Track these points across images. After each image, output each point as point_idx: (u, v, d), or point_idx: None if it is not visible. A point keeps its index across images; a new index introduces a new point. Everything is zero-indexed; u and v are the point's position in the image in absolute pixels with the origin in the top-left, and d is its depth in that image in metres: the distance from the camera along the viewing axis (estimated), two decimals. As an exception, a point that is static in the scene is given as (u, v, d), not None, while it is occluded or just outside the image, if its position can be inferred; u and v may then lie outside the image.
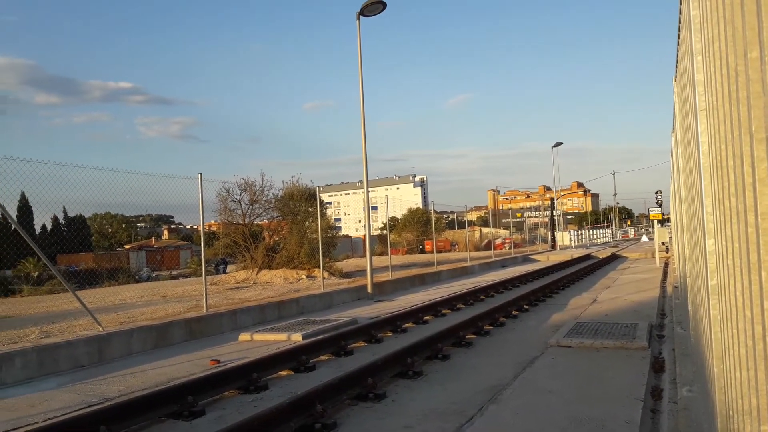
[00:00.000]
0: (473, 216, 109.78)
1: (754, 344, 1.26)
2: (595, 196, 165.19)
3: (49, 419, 5.86)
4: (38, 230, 44.85)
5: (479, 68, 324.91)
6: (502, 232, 60.90)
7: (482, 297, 15.19)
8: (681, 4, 3.42)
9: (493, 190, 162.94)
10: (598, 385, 6.02)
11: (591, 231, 70.91)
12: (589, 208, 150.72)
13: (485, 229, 61.52)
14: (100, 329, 9.72)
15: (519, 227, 64.19)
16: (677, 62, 4.61)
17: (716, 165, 1.95)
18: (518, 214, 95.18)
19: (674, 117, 6.25)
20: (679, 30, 3.88)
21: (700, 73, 2.26)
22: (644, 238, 61.41)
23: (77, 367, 8.70)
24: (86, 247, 51.94)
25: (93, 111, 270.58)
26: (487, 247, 46.99)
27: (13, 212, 9.56)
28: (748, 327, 1.34)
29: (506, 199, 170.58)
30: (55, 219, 53.76)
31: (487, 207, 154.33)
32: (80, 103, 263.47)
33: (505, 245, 48.61)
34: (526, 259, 35.44)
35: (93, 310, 10.22)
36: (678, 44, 4.18)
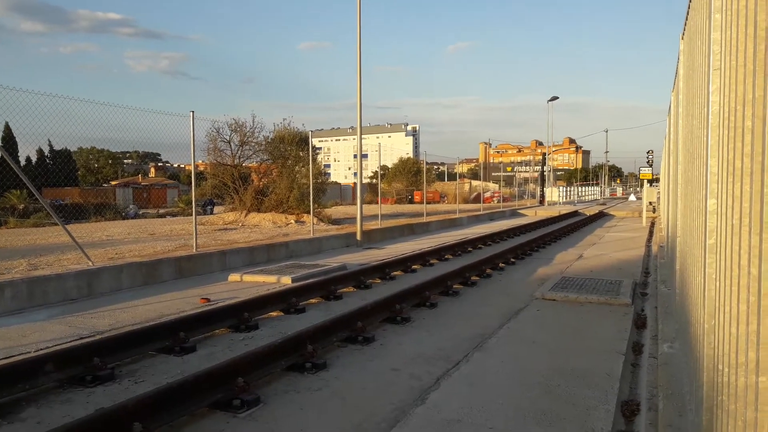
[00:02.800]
0: (464, 168, 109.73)
1: (758, 300, 1.30)
2: (587, 153, 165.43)
3: (41, 349, 5.94)
4: (23, 162, 44.21)
5: (481, 16, 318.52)
6: (492, 185, 61.06)
7: (470, 249, 15.36)
8: (699, -41, 3.35)
9: (485, 143, 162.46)
10: (580, 338, 6.18)
11: (580, 188, 71.33)
12: (580, 165, 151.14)
13: (475, 182, 61.65)
14: (90, 264, 9.74)
15: (509, 181, 64.33)
16: (687, 20, 4.54)
17: (728, 125, 1.95)
18: (509, 168, 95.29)
19: (677, 75, 6.20)
20: (693, -14, 3.81)
21: (717, 31, 2.23)
22: (632, 197, 61.99)
23: (67, 300, 8.76)
24: (72, 182, 51.40)
25: (80, 42, 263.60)
26: (476, 200, 47.17)
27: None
28: (753, 284, 1.38)
29: (498, 152, 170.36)
30: (40, 152, 52.93)
31: (477, 160, 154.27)
32: (67, 33, 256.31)
33: (494, 199, 48.84)
34: (514, 214, 35.70)
35: (82, 245, 10.21)
36: (690, 1, 4.11)
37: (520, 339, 6.12)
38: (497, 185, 55.78)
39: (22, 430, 4.06)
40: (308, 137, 20.43)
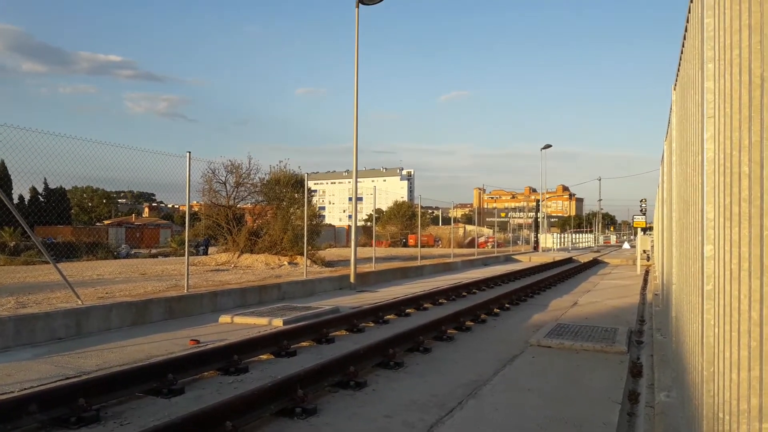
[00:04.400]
0: (458, 213, 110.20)
1: (760, 345, 1.28)
2: (580, 201, 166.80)
3: (25, 389, 5.79)
4: (16, 200, 44.15)
5: (475, 66, 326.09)
6: (486, 230, 61.20)
7: (464, 293, 15.27)
8: (690, 12, 3.44)
9: (479, 189, 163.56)
10: (576, 386, 6.09)
11: (574, 235, 71.56)
12: (573, 212, 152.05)
13: (469, 227, 61.76)
14: (79, 302, 9.61)
15: (503, 227, 64.51)
16: (678, 70, 4.65)
17: (723, 171, 1.97)
18: (503, 214, 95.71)
19: (669, 125, 6.31)
20: (685, 39, 3.90)
21: (710, 80, 2.28)
22: (626, 245, 62.12)
23: (54, 339, 8.60)
24: (65, 220, 51.17)
25: (80, 83, 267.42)
26: (471, 244, 47.21)
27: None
28: (754, 329, 1.36)
29: (492, 198, 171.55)
30: (33, 190, 52.92)
31: (472, 205, 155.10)
32: (67, 74, 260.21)
33: (488, 244, 48.86)
34: (508, 259, 35.67)
35: (72, 283, 10.09)
36: (681, 53, 4.21)
37: (515, 386, 6.02)
38: (491, 230, 55.90)
39: (0, 474, 3.92)
40: (304, 179, 20.52)
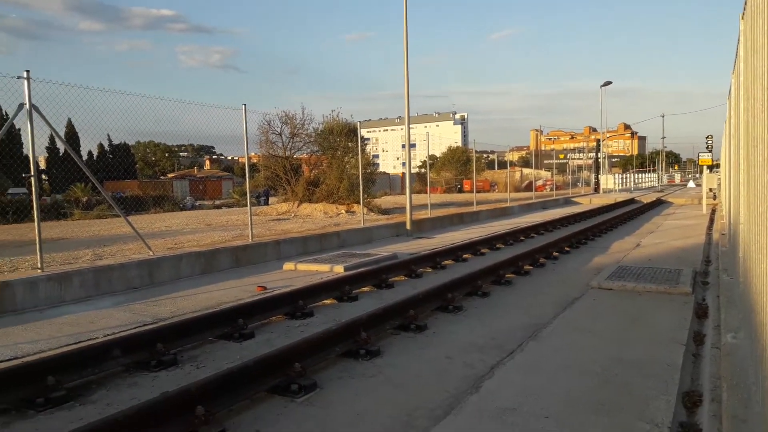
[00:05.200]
0: (514, 156, 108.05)
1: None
2: (642, 139, 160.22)
3: (108, 335, 6.23)
4: (85, 157, 46.12)
5: (526, 2, 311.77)
6: (544, 173, 59.88)
7: (522, 238, 15.17)
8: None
9: (536, 130, 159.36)
10: (639, 327, 6.04)
11: (636, 175, 69.16)
12: (636, 152, 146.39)
13: (526, 170, 60.61)
14: (150, 253, 10.11)
15: (562, 169, 62.91)
16: (750, -3, 4.34)
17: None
18: (561, 156, 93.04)
19: (737, 57, 5.94)
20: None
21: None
22: (691, 184, 59.72)
23: (130, 288, 9.14)
24: (131, 175, 53.39)
25: (135, 38, 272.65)
26: (528, 188, 46.45)
27: (60, 140, 9.80)
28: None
29: (549, 139, 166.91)
30: (100, 146, 55.22)
31: (528, 147, 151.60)
32: (122, 30, 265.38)
33: (547, 187, 47.93)
34: (567, 202, 34.98)
35: (142, 235, 10.60)
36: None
37: (575, 328, 6.03)
38: (549, 173, 54.71)
39: (93, 411, 4.27)
40: (357, 128, 20.53)
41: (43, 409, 4.29)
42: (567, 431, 3.60)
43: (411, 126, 18.59)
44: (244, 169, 13.78)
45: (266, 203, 31.44)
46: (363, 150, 20.16)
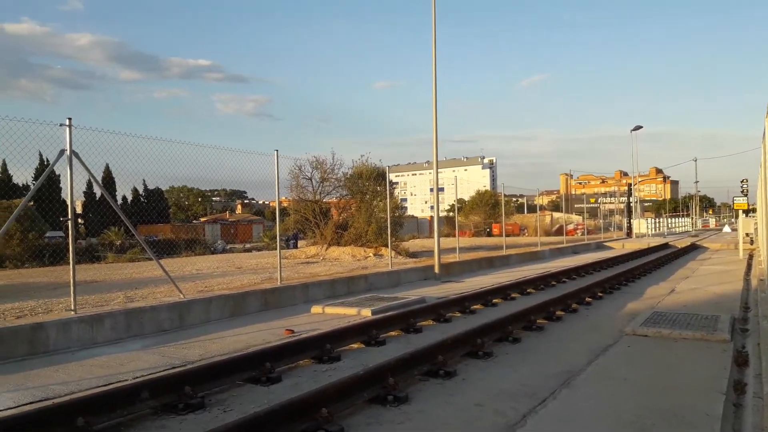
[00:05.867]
0: (544, 200, 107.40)
1: None
2: (675, 184, 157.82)
3: (137, 377, 6.25)
4: (120, 201, 47.29)
5: (557, 48, 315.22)
6: (575, 217, 59.25)
7: (553, 282, 14.92)
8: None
9: (566, 174, 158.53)
10: (675, 375, 5.83)
11: (669, 219, 67.93)
12: (668, 196, 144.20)
13: (556, 214, 60.11)
14: (181, 296, 10.22)
15: (593, 213, 62.28)
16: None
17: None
18: (592, 200, 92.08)
19: (773, 99, 5.87)
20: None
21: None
22: (726, 229, 58.33)
23: (160, 331, 9.20)
24: (164, 219, 54.48)
25: (172, 87, 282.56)
26: (558, 232, 45.92)
27: (97, 184, 10.08)
28: None
29: (580, 183, 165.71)
30: (135, 191, 56.64)
31: (558, 191, 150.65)
32: (161, 80, 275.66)
33: (578, 231, 47.32)
34: (599, 246, 34.44)
35: (173, 278, 10.73)
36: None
37: (610, 376, 5.85)
38: (580, 217, 54.13)
39: (121, 454, 4.26)
40: (385, 172, 20.72)
41: (71, 451, 4.29)
42: (603, 484, 3.46)
43: (439, 170, 18.69)
44: (275, 213, 13.96)
45: (295, 246, 31.66)
46: (391, 194, 20.30)
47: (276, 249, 13.03)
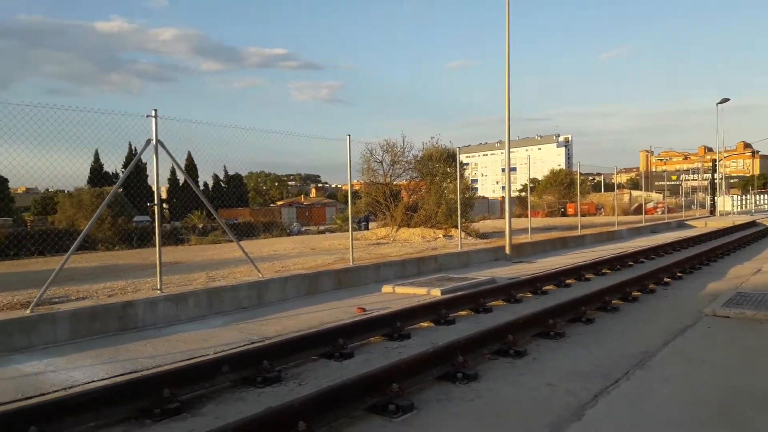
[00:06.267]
0: (622, 178, 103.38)
1: None
2: (765, 159, 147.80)
3: (218, 352, 6.60)
4: (201, 187, 49.37)
5: (639, 19, 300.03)
6: (655, 195, 56.75)
7: (630, 263, 14.46)
8: None
9: (646, 151, 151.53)
10: (760, 358, 5.58)
11: (758, 196, 63.83)
12: (758, 171, 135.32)
13: (635, 193, 57.70)
14: (259, 276, 10.63)
15: (674, 191, 59.39)
16: None
17: None
18: (674, 177, 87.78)
19: None
20: None
21: None
22: (824, 205, 54.27)
23: (239, 309, 9.64)
24: (243, 203, 56.53)
25: (250, 77, 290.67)
26: (637, 211, 44.15)
27: (180, 171, 10.58)
28: None
29: (661, 160, 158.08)
30: (215, 177, 58.98)
31: (638, 169, 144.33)
32: (240, 69, 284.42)
33: (658, 210, 45.33)
34: (681, 225, 32.92)
35: (252, 259, 11.18)
36: None
37: (687, 358, 5.67)
38: (660, 195, 51.82)
39: (203, 423, 4.55)
40: (456, 153, 20.58)
41: (159, 419, 4.62)
42: (677, 465, 3.40)
43: (512, 149, 18.38)
44: (347, 196, 14.22)
45: (366, 228, 32.07)
46: (461, 175, 20.14)
47: (348, 231, 13.29)
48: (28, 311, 7.57)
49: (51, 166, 8.67)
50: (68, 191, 32.67)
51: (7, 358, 6.69)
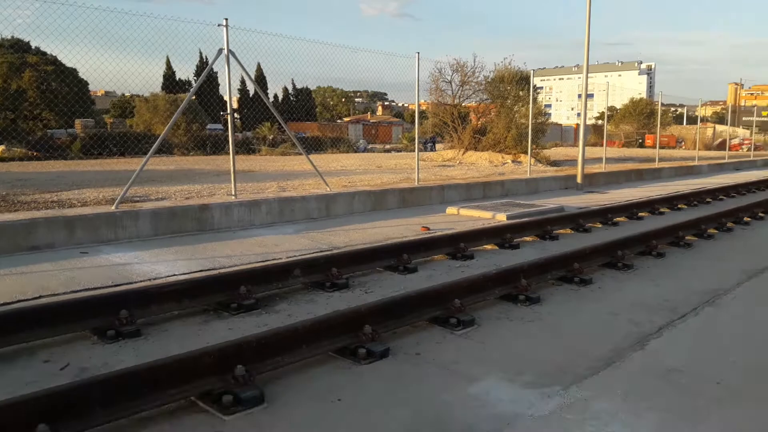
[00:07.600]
0: (707, 111, 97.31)
1: None
2: None
3: (290, 257, 6.91)
4: (271, 99, 49.81)
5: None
6: (741, 131, 53.26)
7: (708, 199, 13.85)
8: None
9: (736, 84, 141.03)
10: (842, 305, 5.34)
11: None
12: None
13: (720, 127, 54.36)
14: (328, 189, 10.87)
15: (763, 128, 55.52)
16: None
17: None
18: (764, 113, 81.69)
19: None
20: None
21: None
22: None
23: (309, 219, 9.95)
24: (311, 117, 56.93)
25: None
26: (721, 147, 41.75)
27: (251, 82, 10.66)
28: None
29: (751, 94, 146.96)
30: (285, 90, 59.32)
31: (724, 102, 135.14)
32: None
33: (743, 146, 42.73)
34: (767, 164, 31.00)
35: (321, 173, 11.39)
36: None
37: (762, 299, 5.50)
38: (748, 131, 48.58)
39: (276, 319, 4.84)
40: (529, 76, 19.79)
41: (236, 312, 4.94)
42: (741, 400, 3.38)
43: (590, 75, 17.50)
44: (414, 116, 14.07)
45: (432, 149, 31.84)
46: (534, 99, 19.47)
47: (414, 151, 13.26)
48: (113, 207, 8.09)
49: (126, 69, 8.95)
50: (144, 96, 33.76)
51: (96, 249, 7.23)
